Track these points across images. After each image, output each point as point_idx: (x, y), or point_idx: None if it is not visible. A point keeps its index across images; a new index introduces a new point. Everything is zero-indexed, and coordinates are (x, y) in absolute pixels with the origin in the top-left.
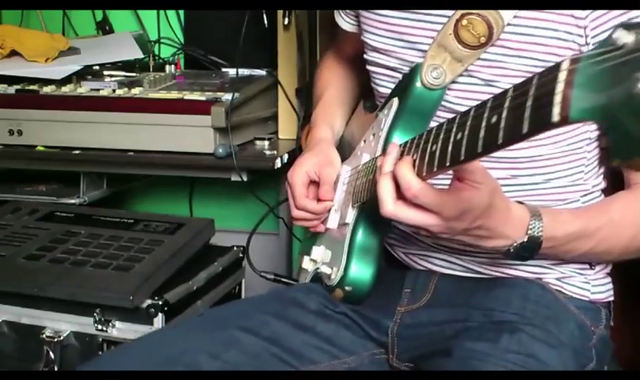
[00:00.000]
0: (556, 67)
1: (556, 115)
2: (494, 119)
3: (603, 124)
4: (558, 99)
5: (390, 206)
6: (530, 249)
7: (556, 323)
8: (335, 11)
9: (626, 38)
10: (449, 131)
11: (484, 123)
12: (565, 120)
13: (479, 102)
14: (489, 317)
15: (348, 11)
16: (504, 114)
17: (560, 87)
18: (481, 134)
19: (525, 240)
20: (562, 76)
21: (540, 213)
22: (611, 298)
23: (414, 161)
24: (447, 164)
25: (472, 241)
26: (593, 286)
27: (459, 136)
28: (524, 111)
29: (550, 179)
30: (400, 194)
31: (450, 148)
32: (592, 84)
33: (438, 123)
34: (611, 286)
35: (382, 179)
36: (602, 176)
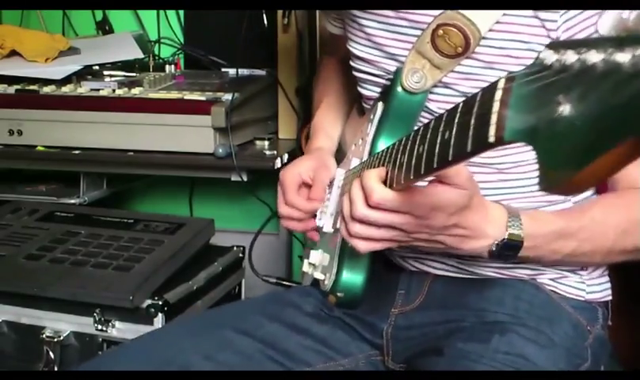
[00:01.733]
0: (494, 85)
1: (492, 135)
2: (447, 135)
3: (533, 146)
4: (494, 118)
5: (360, 208)
6: (512, 247)
7: (549, 323)
8: (322, 16)
9: (551, 58)
10: (414, 142)
11: (439, 138)
12: (499, 141)
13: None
14: (481, 317)
15: (334, 16)
16: (454, 130)
17: (496, 106)
18: (436, 150)
19: (506, 237)
20: (498, 95)
21: (518, 213)
22: (609, 298)
23: (387, 171)
24: (412, 177)
25: (452, 242)
26: (588, 285)
27: (420, 149)
28: (469, 128)
29: None
30: None
31: (413, 161)
32: (523, 104)
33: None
34: (608, 285)
35: (353, 184)
36: None
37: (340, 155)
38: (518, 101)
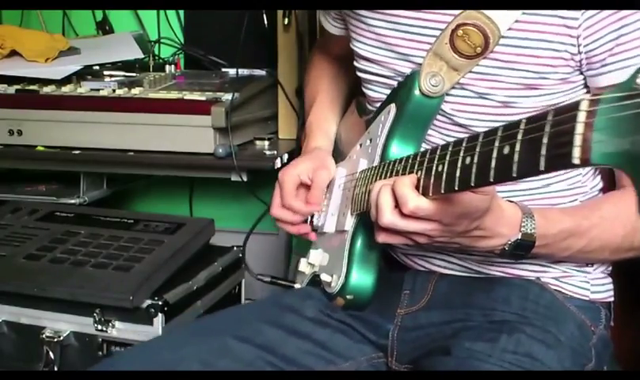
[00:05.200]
0: (574, 106)
1: (576, 157)
2: (506, 150)
3: (627, 172)
4: (578, 141)
5: (388, 215)
6: (524, 247)
7: (555, 323)
8: (320, 15)
9: None
10: (456, 153)
11: (495, 153)
12: (585, 162)
13: (490, 128)
14: (488, 317)
15: (334, 15)
16: (517, 147)
17: (580, 128)
18: (492, 164)
19: (519, 237)
20: (582, 117)
21: (532, 212)
22: (611, 298)
23: (419, 179)
24: (456, 188)
25: (469, 242)
26: (592, 285)
27: (467, 161)
28: (540, 147)
29: (549, 184)
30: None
31: (458, 172)
32: (615, 128)
33: (436, 134)
34: (611, 286)
35: (382, 190)
36: (599, 176)
37: (335, 152)
38: (607, 124)
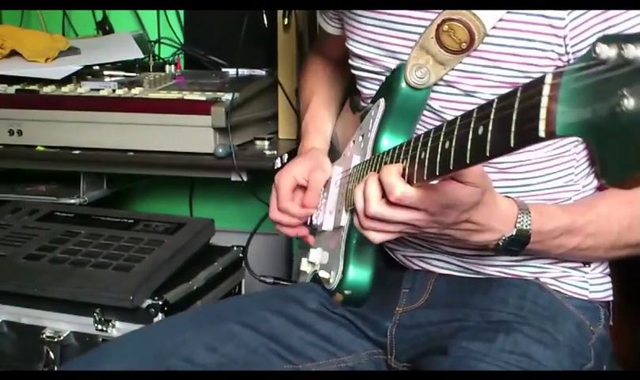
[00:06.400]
0: (539, 81)
1: (542, 130)
2: (481, 131)
3: (589, 140)
4: (543, 113)
5: (374, 205)
6: (519, 243)
7: (554, 323)
8: (318, 15)
9: (607, 52)
10: (437, 139)
11: (471, 135)
12: (551, 135)
13: (464, 111)
14: (485, 316)
15: (331, 15)
16: (490, 126)
17: (544, 101)
18: (468, 146)
19: (514, 233)
20: (546, 90)
21: (528, 208)
22: (610, 298)
23: (404, 168)
24: (437, 173)
25: (460, 235)
26: (591, 285)
27: (446, 145)
28: (510, 124)
29: (541, 182)
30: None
31: (438, 157)
32: (576, 99)
33: (426, 130)
34: (610, 285)
35: (368, 180)
36: (593, 175)
37: (331, 152)
38: (569, 96)
